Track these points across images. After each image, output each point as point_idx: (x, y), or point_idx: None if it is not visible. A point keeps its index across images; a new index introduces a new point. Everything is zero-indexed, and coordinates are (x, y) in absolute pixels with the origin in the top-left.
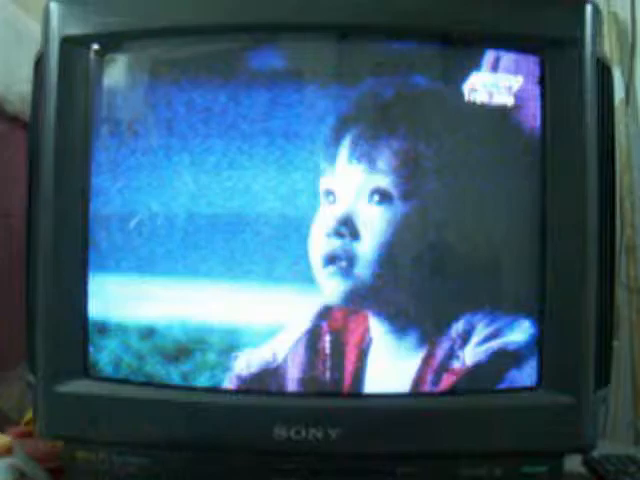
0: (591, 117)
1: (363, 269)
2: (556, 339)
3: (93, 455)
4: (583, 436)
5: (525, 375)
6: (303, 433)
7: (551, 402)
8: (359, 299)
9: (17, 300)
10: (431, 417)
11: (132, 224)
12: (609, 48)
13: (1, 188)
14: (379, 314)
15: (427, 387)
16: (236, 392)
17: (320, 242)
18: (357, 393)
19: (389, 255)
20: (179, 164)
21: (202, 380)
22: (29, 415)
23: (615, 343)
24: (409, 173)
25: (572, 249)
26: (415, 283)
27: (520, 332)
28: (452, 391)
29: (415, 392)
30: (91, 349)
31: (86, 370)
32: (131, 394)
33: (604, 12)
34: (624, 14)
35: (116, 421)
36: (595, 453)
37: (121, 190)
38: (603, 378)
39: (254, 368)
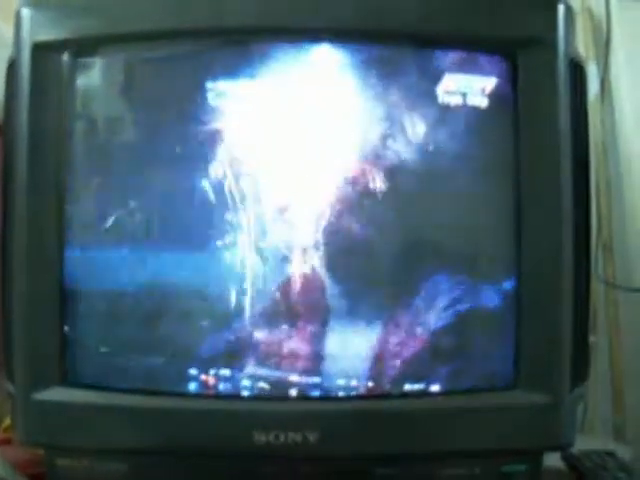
0: (564, 117)
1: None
2: (532, 338)
3: (74, 462)
4: (561, 434)
5: (501, 374)
6: (282, 437)
7: (528, 402)
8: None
9: None
10: (409, 418)
11: (107, 223)
12: (584, 44)
13: None
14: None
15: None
16: (215, 397)
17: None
18: (334, 396)
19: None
20: (153, 166)
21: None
22: (8, 421)
23: (592, 339)
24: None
25: (547, 247)
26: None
27: (496, 330)
28: (429, 392)
29: (392, 393)
30: (68, 356)
31: (63, 377)
32: (109, 401)
33: (579, 8)
34: (599, 10)
35: (95, 428)
36: (574, 449)
37: (95, 190)
38: (580, 375)
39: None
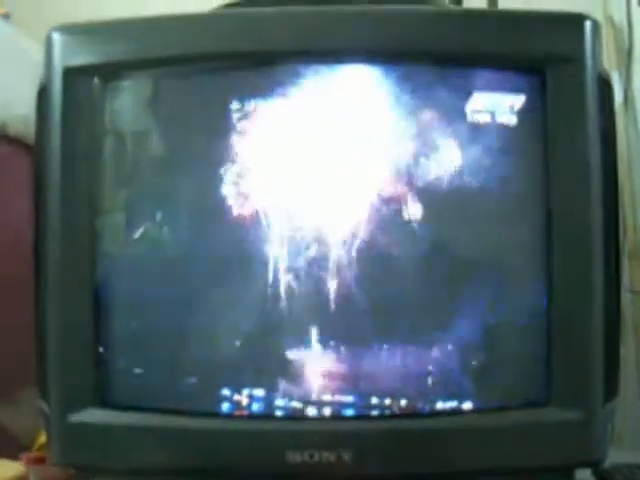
0: (593, 132)
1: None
2: (564, 354)
3: None
4: (594, 451)
5: (534, 391)
6: (316, 457)
7: (560, 418)
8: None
9: (22, 320)
10: (442, 436)
11: (138, 238)
12: (606, 53)
13: (5, 209)
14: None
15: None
16: (248, 417)
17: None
18: (368, 415)
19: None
20: (184, 186)
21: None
22: (41, 438)
23: (621, 350)
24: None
25: (578, 262)
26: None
27: (527, 347)
28: (462, 410)
29: (425, 411)
30: (103, 377)
31: (98, 399)
32: (144, 422)
33: (600, 17)
34: (620, 19)
35: (129, 449)
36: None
37: (128, 208)
38: (612, 390)
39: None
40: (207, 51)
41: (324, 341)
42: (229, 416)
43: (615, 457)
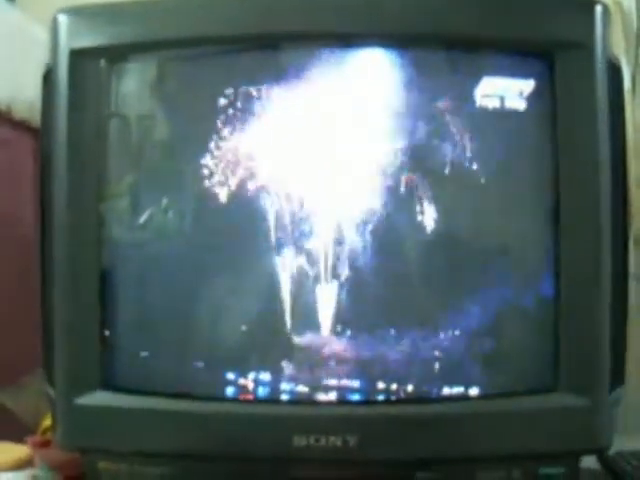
0: (603, 118)
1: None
2: (571, 340)
3: (113, 466)
4: (600, 437)
5: (541, 377)
6: (322, 441)
7: (567, 405)
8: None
9: (26, 305)
10: (448, 422)
11: (144, 225)
12: (614, 38)
13: (9, 193)
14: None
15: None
16: (255, 401)
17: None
18: (374, 400)
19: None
20: (190, 170)
21: None
22: (46, 421)
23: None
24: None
25: (586, 249)
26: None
27: (535, 334)
28: (469, 396)
29: (432, 397)
30: (108, 360)
31: (104, 382)
32: (150, 405)
33: (609, 1)
34: (629, 3)
35: (136, 432)
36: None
37: (133, 193)
38: (618, 377)
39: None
40: (214, 33)
41: (331, 325)
42: (234, 400)
43: (620, 444)
